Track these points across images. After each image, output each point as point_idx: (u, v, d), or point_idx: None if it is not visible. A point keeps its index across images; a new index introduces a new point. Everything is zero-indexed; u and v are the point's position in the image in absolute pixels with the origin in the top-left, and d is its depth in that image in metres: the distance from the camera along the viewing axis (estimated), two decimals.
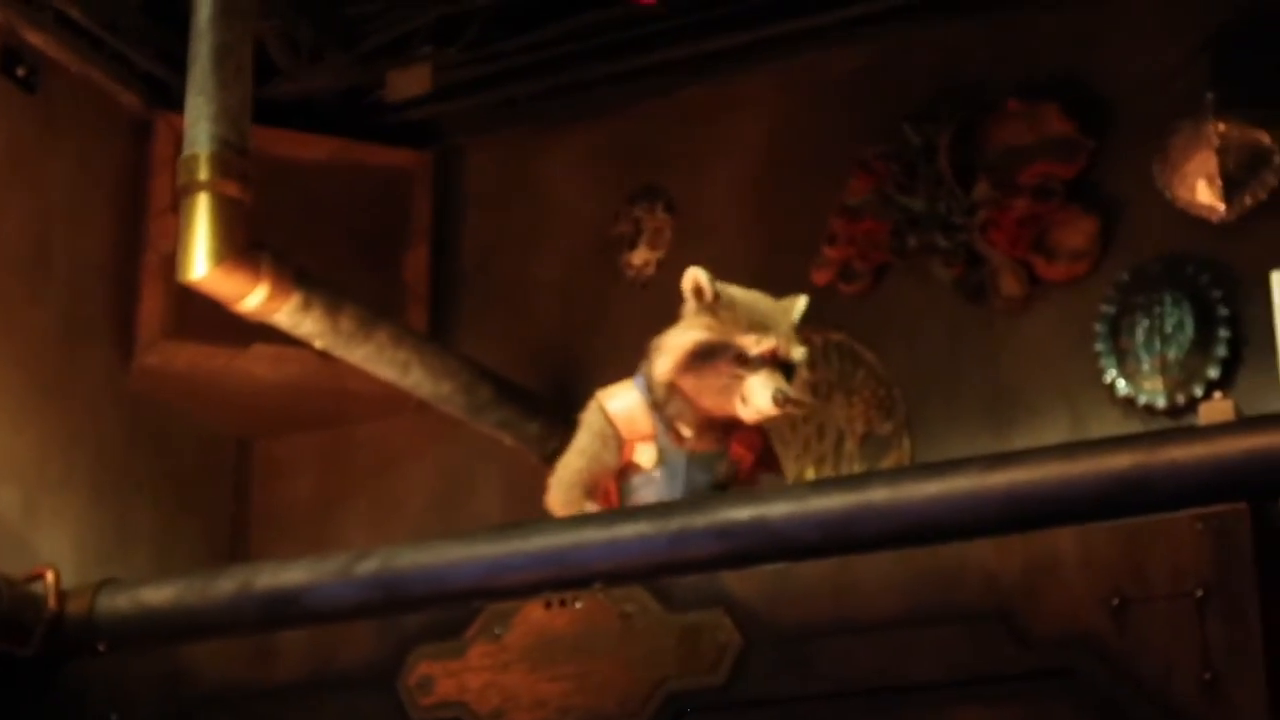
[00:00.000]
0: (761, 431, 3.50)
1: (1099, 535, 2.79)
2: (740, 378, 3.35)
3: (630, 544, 3.08)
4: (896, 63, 5.50)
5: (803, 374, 3.47)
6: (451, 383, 5.16)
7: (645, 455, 3.43)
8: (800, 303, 3.49)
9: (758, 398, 3.35)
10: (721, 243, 5.57)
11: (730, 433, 3.44)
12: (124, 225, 5.62)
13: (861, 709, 2.88)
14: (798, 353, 3.41)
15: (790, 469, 5.24)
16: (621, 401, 3.47)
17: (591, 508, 3.42)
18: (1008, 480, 2.89)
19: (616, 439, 3.45)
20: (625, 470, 3.44)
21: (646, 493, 3.42)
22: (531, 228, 5.89)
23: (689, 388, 3.38)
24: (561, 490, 3.50)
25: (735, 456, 3.45)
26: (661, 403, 3.42)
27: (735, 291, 3.45)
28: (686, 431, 3.42)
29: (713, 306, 3.41)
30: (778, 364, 3.38)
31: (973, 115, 5.31)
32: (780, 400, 3.33)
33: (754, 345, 3.36)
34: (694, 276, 3.42)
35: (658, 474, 3.42)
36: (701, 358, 3.37)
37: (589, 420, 3.51)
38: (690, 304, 3.42)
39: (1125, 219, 5.14)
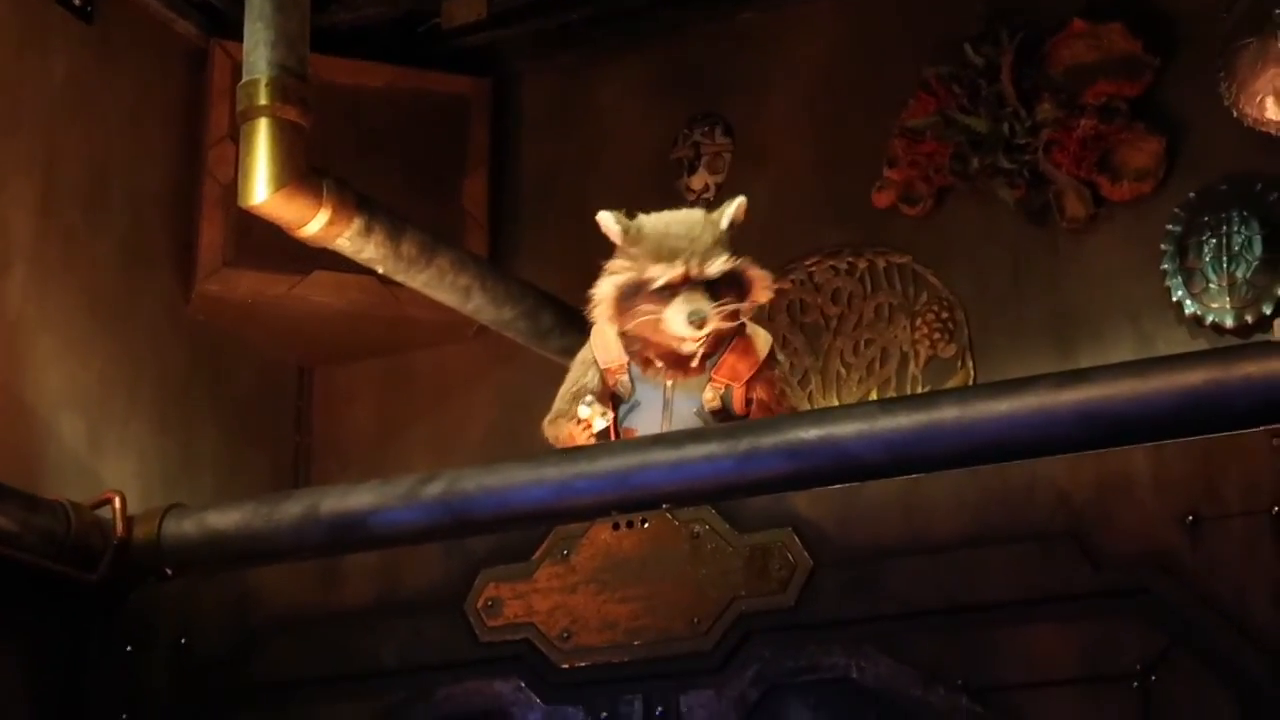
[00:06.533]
0: (751, 356, 3.47)
1: (1172, 452, 2.77)
2: (660, 311, 3.34)
3: (698, 465, 3.08)
4: None
5: (752, 272, 3.42)
6: (514, 308, 5.14)
7: (623, 383, 3.47)
8: (729, 209, 3.44)
9: (677, 327, 3.34)
10: (781, 166, 5.53)
11: (708, 358, 3.43)
12: (182, 154, 5.60)
13: (931, 629, 2.87)
14: (713, 268, 3.36)
15: (853, 392, 5.24)
16: (600, 333, 3.51)
17: (586, 411, 3.42)
18: (1080, 398, 2.87)
19: (596, 366, 3.50)
20: (614, 399, 3.47)
21: (632, 420, 3.47)
22: (590, 153, 5.85)
23: (631, 329, 3.41)
24: (550, 422, 3.57)
25: (719, 383, 3.44)
26: (626, 337, 3.45)
27: (648, 221, 3.43)
28: (658, 363, 3.44)
29: (626, 245, 3.41)
30: (696, 285, 3.35)
31: (1036, 34, 5.24)
32: (698, 322, 3.31)
33: (662, 276, 3.35)
34: (602, 220, 3.42)
35: (639, 400, 3.46)
36: (624, 300, 3.39)
37: (580, 352, 3.57)
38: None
39: (1191, 138, 5.06)
